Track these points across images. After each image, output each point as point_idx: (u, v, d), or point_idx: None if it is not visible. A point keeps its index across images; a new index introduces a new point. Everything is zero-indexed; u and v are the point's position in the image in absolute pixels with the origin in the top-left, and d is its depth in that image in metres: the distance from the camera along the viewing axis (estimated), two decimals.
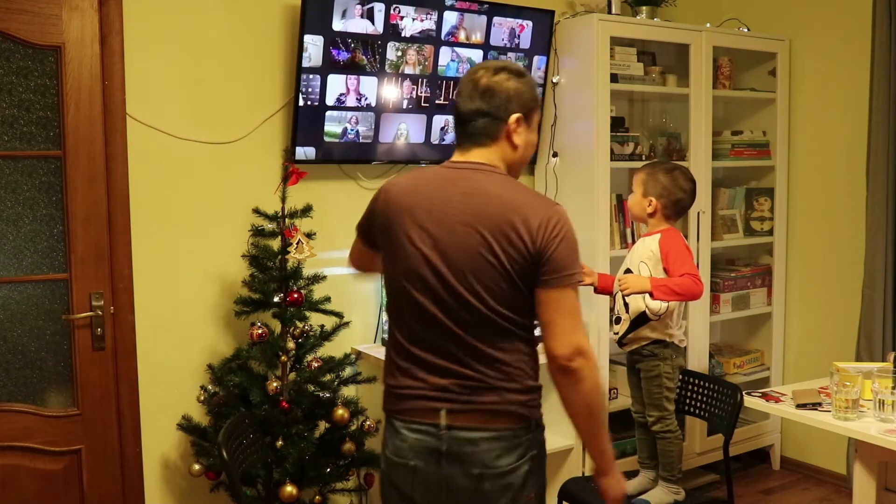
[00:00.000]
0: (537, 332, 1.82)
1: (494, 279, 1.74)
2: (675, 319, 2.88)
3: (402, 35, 3.03)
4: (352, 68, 2.97)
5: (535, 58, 3.43)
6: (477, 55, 3.25)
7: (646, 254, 2.84)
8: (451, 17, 3.12)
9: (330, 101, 2.97)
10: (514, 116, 1.81)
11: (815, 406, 2.55)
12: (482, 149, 1.83)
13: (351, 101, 3.01)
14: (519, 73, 1.84)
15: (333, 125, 2.99)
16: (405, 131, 3.19)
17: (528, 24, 3.37)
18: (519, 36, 3.31)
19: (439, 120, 3.26)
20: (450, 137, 3.32)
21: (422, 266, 1.78)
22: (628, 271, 2.86)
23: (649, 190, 2.86)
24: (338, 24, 2.87)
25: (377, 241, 1.91)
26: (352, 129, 3.03)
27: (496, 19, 3.22)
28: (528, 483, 1.81)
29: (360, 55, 2.96)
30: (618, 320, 2.90)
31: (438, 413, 1.79)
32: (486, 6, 3.20)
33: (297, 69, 2.93)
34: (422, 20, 3.05)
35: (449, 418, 1.78)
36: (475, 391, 1.77)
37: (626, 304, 2.86)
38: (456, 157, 1.87)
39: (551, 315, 1.75)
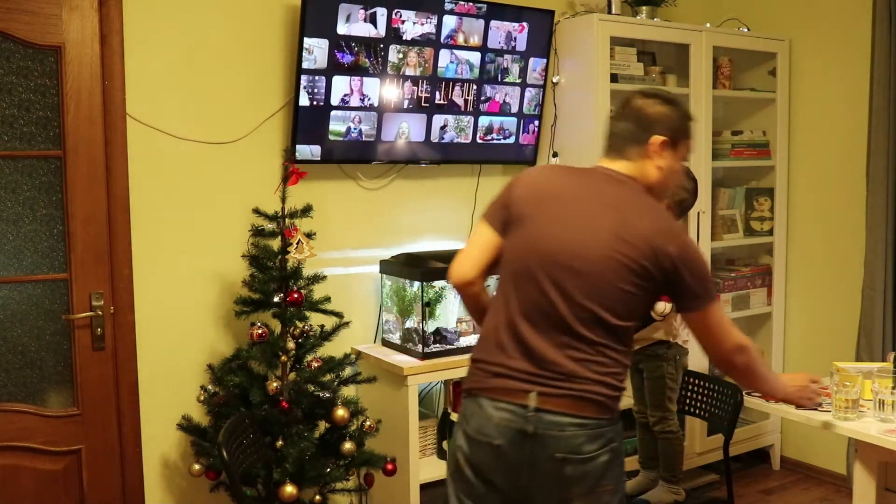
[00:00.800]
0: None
1: (623, 284, 1.82)
2: (680, 320, 2.88)
3: (404, 38, 3.09)
4: (355, 70, 3.02)
5: (531, 59, 3.45)
6: (475, 57, 3.29)
7: None
8: (450, 21, 3.18)
9: (335, 101, 3.02)
10: (657, 139, 1.91)
11: (815, 406, 2.55)
12: (627, 162, 1.93)
13: (354, 101, 3.06)
14: (669, 101, 1.96)
15: (338, 124, 3.05)
16: (406, 130, 3.22)
17: (526, 25, 3.39)
18: (515, 38, 3.36)
19: (439, 119, 3.28)
20: (448, 136, 3.34)
21: (558, 254, 1.84)
22: None
23: None
24: (342, 28, 2.93)
25: (509, 224, 1.94)
26: (355, 129, 3.09)
27: (493, 23, 3.28)
28: (607, 474, 1.85)
29: (364, 58, 3.02)
30: None
31: (528, 394, 1.82)
32: (483, 10, 3.24)
33: (297, 70, 2.93)
34: (422, 24, 3.11)
35: (539, 400, 1.81)
36: (570, 378, 1.82)
37: None
38: (604, 162, 1.97)
39: (702, 332, 1.94)
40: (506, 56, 3.37)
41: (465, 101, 3.33)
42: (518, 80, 3.45)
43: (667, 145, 1.92)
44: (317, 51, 2.91)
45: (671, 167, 1.95)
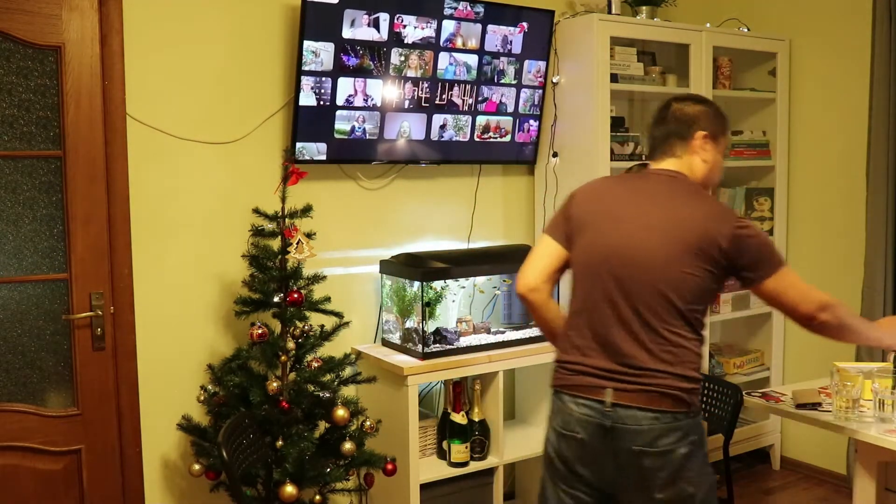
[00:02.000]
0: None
1: (685, 268, 1.92)
2: None
3: (405, 42, 3.16)
4: (359, 72, 3.09)
5: (526, 62, 3.48)
6: (473, 60, 3.34)
7: None
8: (449, 26, 3.24)
9: (340, 101, 3.09)
10: (699, 133, 2.06)
11: (815, 406, 2.55)
12: (674, 159, 2.08)
13: (358, 101, 3.13)
14: (702, 101, 2.14)
15: (343, 123, 3.12)
16: (407, 129, 3.26)
17: (526, 25, 3.43)
18: (511, 42, 3.42)
19: (438, 119, 3.32)
20: (448, 135, 3.36)
21: (620, 249, 1.97)
22: None
23: None
24: (347, 33, 3.01)
25: (572, 235, 2.08)
26: (359, 127, 3.16)
27: (490, 27, 3.35)
28: (687, 467, 1.92)
29: (367, 60, 3.10)
30: None
31: (604, 391, 1.93)
32: (481, 15, 3.30)
33: (298, 71, 2.94)
34: (422, 28, 3.18)
35: (615, 396, 1.92)
36: (644, 373, 1.91)
37: None
38: (652, 166, 2.11)
39: (777, 301, 2.00)
40: (502, 59, 3.42)
41: (463, 101, 3.35)
42: (513, 82, 3.48)
43: (708, 139, 2.06)
44: (323, 54, 2.99)
45: (715, 160, 2.09)
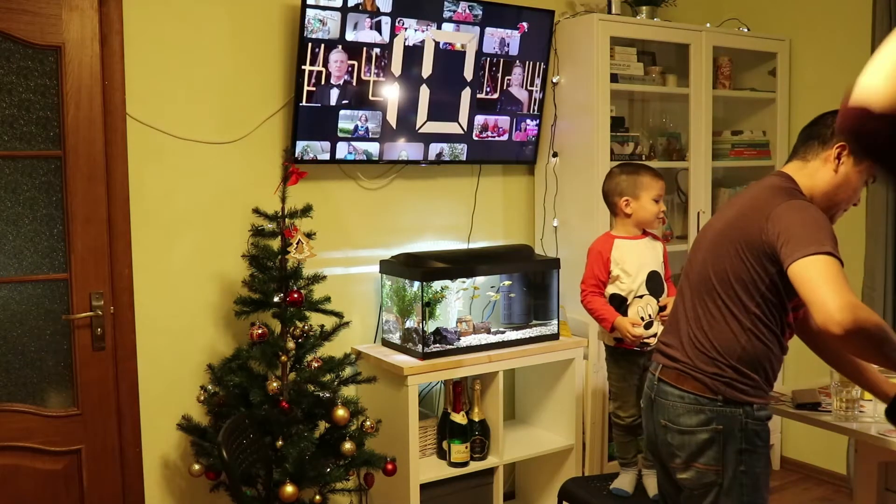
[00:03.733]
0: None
1: (732, 255, 1.93)
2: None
3: (406, 44, 3.18)
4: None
5: (523, 63, 3.47)
6: (471, 61, 3.35)
7: (659, 258, 2.84)
8: (448, 28, 3.27)
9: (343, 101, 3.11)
10: (838, 143, 1.97)
11: (814, 406, 2.55)
12: (798, 161, 2.05)
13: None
14: None
15: (346, 122, 3.13)
16: (408, 128, 3.27)
17: (525, 25, 3.44)
18: (508, 44, 3.44)
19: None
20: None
21: (694, 247, 2.13)
22: (655, 273, 2.82)
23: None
24: (350, 35, 3.03)
25: None
26: (362, 126, 3.17)
27: (488, 30, 3.36)
28: (706, 453, 1.97)
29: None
30: (650, 325, 2.82)
31: (658, 366, 2.10)
32: (479, 17, 3.32)
33: (298, 70, 2.94)
34: (422, 31, 3.21)
35: (660, 371, 2.08)
36: (679, 350, 2.04)
37: (661, 310, 2.82)
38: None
39: (801, 293, 1.75)
40: (499, 60, 3.42)
41: (462, 101, 3.36)
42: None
43: (849, 153, 1.96)
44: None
45: (847, 178, 1.97)
